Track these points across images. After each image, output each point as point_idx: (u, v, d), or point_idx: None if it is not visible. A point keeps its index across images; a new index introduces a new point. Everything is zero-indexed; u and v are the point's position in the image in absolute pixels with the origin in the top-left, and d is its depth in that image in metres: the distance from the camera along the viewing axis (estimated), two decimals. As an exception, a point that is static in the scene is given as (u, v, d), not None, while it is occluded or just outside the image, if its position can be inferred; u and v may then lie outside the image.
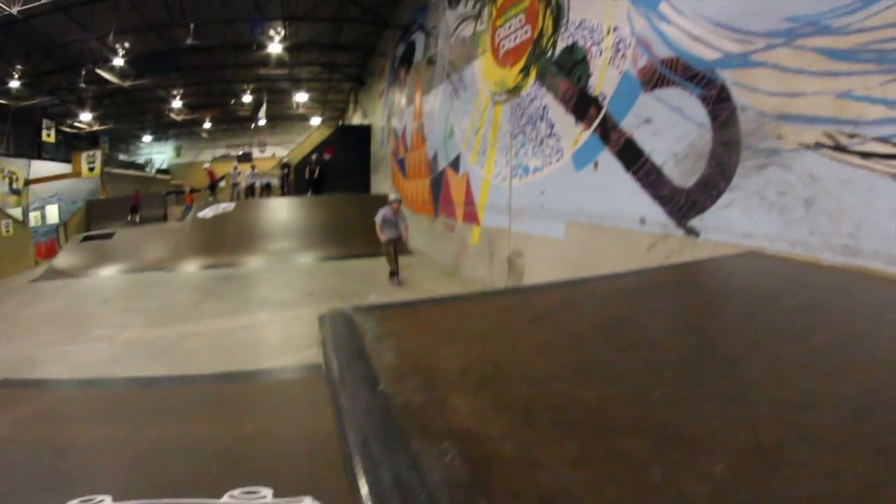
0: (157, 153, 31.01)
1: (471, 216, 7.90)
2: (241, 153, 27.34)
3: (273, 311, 6.67)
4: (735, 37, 3.42)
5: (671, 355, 1.51)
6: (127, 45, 12.82)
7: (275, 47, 13.79)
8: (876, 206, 2.65)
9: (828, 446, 0.97)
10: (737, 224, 3.41)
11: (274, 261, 10.75)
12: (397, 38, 12.37)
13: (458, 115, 8.35)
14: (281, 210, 13.13)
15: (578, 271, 4.85)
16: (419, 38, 10.52)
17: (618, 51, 4.53)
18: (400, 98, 12.53)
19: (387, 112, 14.01)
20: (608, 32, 4.67)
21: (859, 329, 1.69)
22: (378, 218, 7.70)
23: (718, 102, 3.55)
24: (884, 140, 2.62)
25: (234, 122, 26.77)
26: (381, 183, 14.34)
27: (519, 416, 1.11)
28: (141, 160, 30.30)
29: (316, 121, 25.93)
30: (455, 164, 8.50)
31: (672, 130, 3.93)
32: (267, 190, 20.41)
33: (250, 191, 18.60)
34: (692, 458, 0.94)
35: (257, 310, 6.75)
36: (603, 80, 4.74)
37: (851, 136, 2.78)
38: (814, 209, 2.97)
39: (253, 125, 25.92)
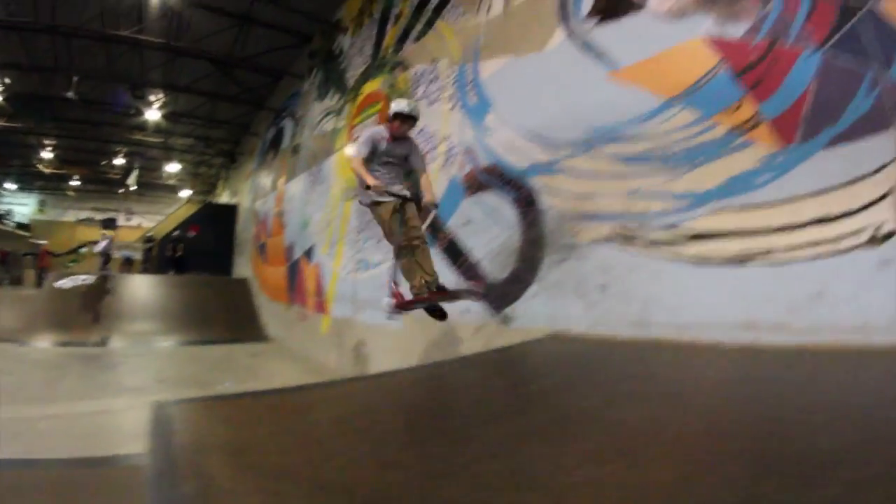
0: (18, 204, 27.07)
1: (320, 306, 7.64)
2: (105, 218, 24.79)
3: (129, 396, 6.05)
4: (544, 147, 3.77)
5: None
6: (7, 80, 11.55)
7: (153, 114, 13.18)
8: (660, 284, 2.98)
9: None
10: (543, 310, 3.68)
11: (133, 342, 10.02)
12: (270, 120, 12.37)
13: (314, 207, 8.30)
14: (142, 288, 12.22)
15: (413, 359, 4.96)
16: (288, 124, 10.58)
17: (448, 158, 4.83)
18: (266, 182, 12.31)
19: (253, 194, 13.69)
20: (442, 140, 4.98)
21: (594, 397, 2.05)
22: (361, 147, 3.48)
23: (527, 205, 3.89)
24: (665, 229, 2.96)
25: (102, 184, 24.48)
26: (244, 266, 13.64)
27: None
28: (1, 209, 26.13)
29: (185, 193, 24.53)
30: (309, 253, 8.30)
31: (488, 230, 4.26)
32: (128, 265, 18.50)
33: (105, 260, 16.65)
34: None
35: (112, 394, 6.26)
36: (435, 185, 5.02)
37: (638, 228, 3.10)
38: (608, 293, 3.26)
39: (122, 190, 23.91)
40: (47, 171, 20.91)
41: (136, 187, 22.10)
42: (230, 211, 16.13)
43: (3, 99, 12.55)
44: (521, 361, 3.24)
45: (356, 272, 6.47)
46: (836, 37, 2.56)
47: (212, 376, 7.32)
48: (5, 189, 25.41)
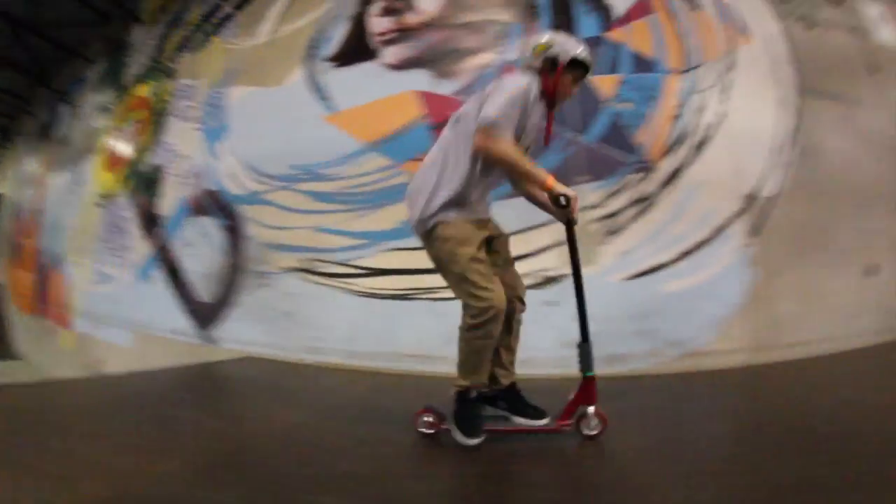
0: None
1: (63, 320, 6.73)
2: None
3: None
4: (256, 178, 4.02)
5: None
6: None
7: None
8: (335, 314, 3.41)
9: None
10: (242, 333, 3.90)
11: None
12: (51, 102, 10.68)
13: (69, 210, 7.37)
14: None
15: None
16: (67, 111, 9.30)
17: (184, 178, 4.73)
18: (31, 170, 10.56)
19: (18, 181, 11.64)
20: (181, 159, 4.85)
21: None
22: (506, 118, 1.65)
23: (235, 232, 4.12)
24: (343, 263, 3.41)
25: None
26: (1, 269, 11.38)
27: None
28: None
29: None
30: (57, 261, 7.29)
31: (204, 254, 4.39)
32: None
33: None
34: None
35: None
36: (167, 203, 4.87)
37: (321, 261, 3.50)
38: (292, 319, 3.59)
39: None
40: None
41: None
42: (-10, 197, 13.28)
43: None
44: (206, 378, 3.42)
45: (98, 285, 5.88)
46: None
47: None
48: None
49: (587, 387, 1.71)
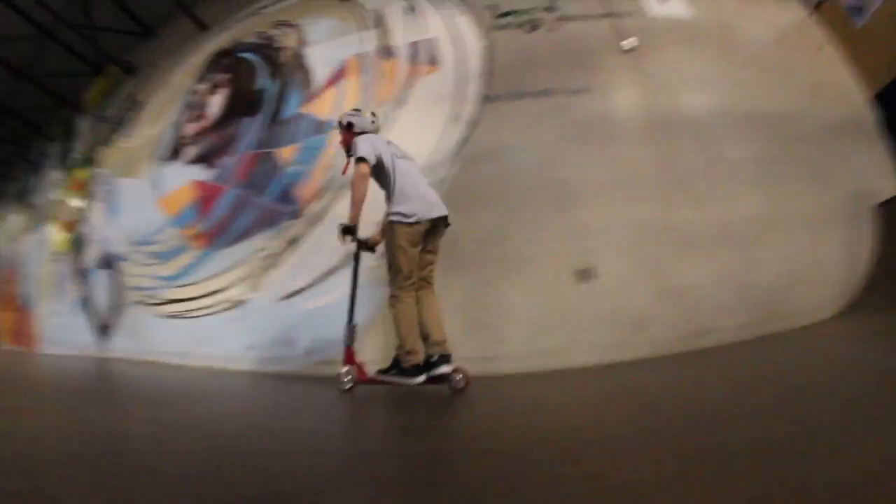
0: None
1: (33, 345, 8.85)
2: None
3: None
4: (128, 244, 6.10)
5: None
6: None
7: None
8: (154, 329, 5.39)
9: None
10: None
11: None
12: (26, 170, 12.34)
13: (35, 262, 9.53)
14: None
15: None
16: (36, 180, 11.28)
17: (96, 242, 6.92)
18: (12, 229, 12.17)
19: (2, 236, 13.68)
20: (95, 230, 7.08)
21: None
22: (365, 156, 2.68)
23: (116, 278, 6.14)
24: (155, 296, 5.47)
25: None
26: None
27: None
28: None
29: None
30: (28, 301, 9.51)
31: (103, 293, 6.44)
32: None
33: None
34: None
35: None
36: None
37: (147, 296, 5.52)
38: (140, 335, 5.59)
39: None
40: None
41: None
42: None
43: None
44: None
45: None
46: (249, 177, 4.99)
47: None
48: None
49: (348, 351, 2.82)
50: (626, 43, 3.97)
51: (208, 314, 4.90)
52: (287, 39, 5.53)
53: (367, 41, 4.78)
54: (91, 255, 6.94)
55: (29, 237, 10.47)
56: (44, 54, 8.83)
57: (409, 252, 2.52)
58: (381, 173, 2.70)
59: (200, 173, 5.54)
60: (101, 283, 6.49)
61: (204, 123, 5.84)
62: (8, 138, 12.29)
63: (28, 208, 11.26)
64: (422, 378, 2.49)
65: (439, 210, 2.65)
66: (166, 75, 7.05)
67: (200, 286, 5.05)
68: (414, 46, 4.41)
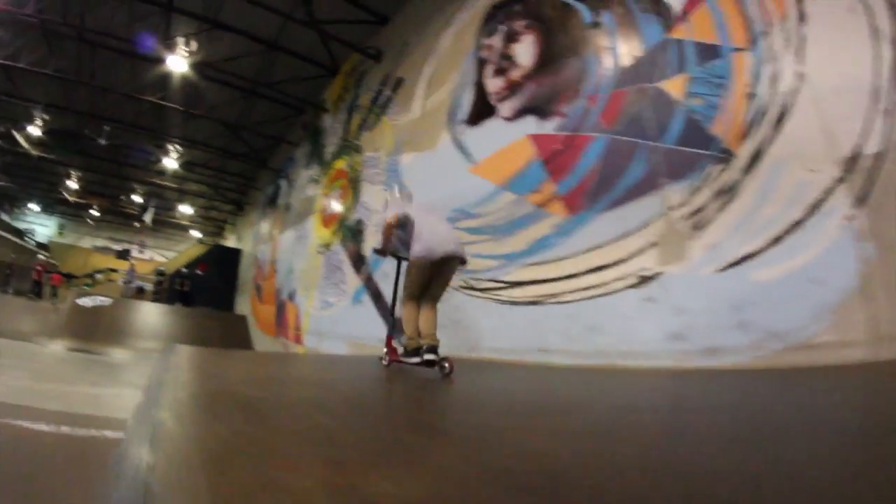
0: (40, 225, 29.06)
1: (297, 338, 9.13)
2: (120, 249, 26.69)
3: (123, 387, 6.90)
4: None
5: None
6: (47, 117, 13.34)
7: (170, 162, 15.04)
8: (487, 319, 4.42)
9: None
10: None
11: (140, 356, 11.03)
12: (271, 178, 14.15)
13: (298, 258, 9.92)
14: (152, 314, 13.58)
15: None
16: (284, 184, 12.34)
17: (377, 227, 6.42)
18: (264, 231, 14.00)
19: (254, 241, 15.34)
20: (374, 213, 6.58)
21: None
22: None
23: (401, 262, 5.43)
24: (491, 280, 4.44)
25: (120, 217, 26.31)
26: (244, 304, 15.16)
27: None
28: (22, 226, 28.05)
29: (196, 234, 26.34)
30: (291, 295, 9.87)
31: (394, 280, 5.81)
32: (140, 293, 20.08)
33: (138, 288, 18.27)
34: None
35: (125, 386, 6.95)
36: (367, 247, 6.60)
37: (475, 280, 4.58)
38: (460, 326, 4.60)
39: (137, 225, 25.82)
40: (71, 198, 22.68)
41: (150, 224, 23.97)
42: (235, 254, 17.72)
43: (43, 133, 14.36)
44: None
45: (321, 310, 8.01)
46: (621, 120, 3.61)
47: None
48: (29, 209, 27.40)
49: (388, 338, 3.49)
50: None
51: (595, 296, 3.66)
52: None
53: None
54: (373, 241, 6.48)
55: (287, 235, 11.03)
56: (273, 68, 9.24)
57: (415, 278, 3.20)
58: (404, 227, 3.48)
59: (535, 126, 4.43)
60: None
61: (515, 75, 4.78)
62: (244, 154, 13.67)
63: (281, 211, 12.06)
64: (417, 359, 3.09)
65: (444, 251, 3.14)
66: (430, 45, 6.33)
67: (572, 261, 3.86)
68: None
